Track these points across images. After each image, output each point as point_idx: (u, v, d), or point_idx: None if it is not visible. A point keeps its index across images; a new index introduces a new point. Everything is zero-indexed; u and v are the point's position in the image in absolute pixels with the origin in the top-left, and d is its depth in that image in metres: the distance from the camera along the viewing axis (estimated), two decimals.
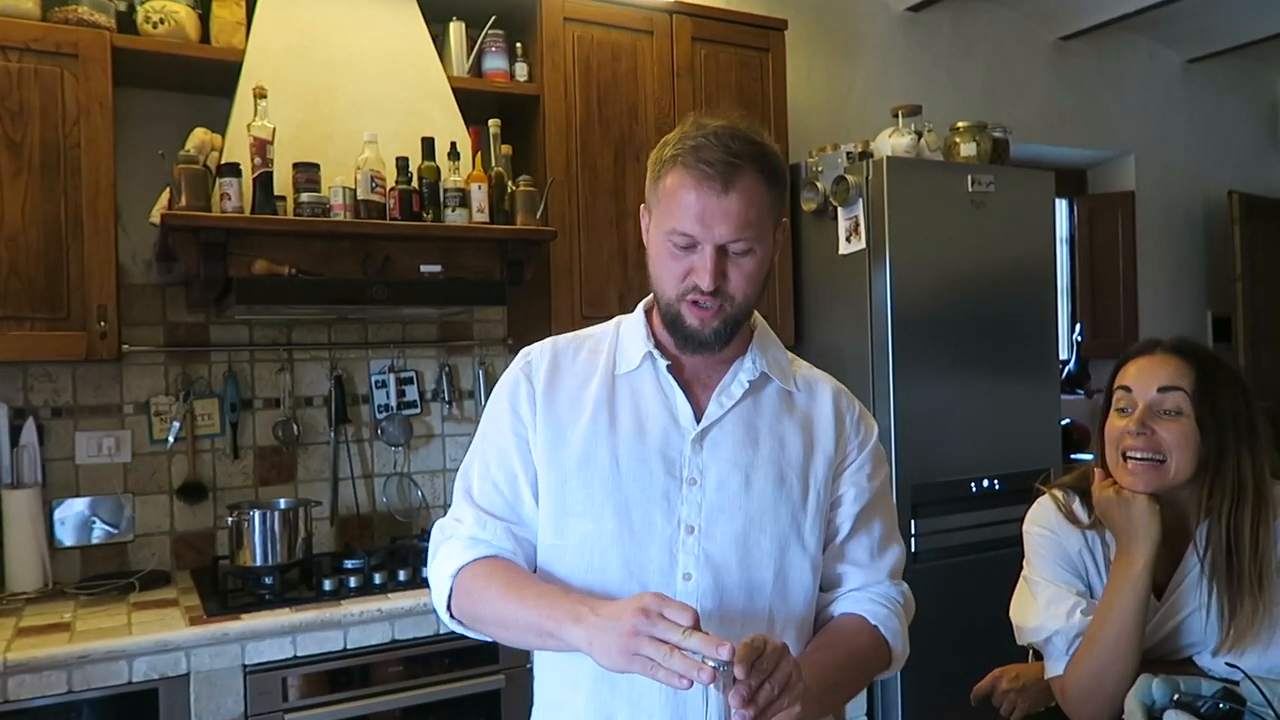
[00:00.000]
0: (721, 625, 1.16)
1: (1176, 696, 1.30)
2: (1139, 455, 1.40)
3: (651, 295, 1.26)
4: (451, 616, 1.22)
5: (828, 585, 1.28)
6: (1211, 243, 4.62)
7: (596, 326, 1.34)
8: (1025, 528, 1.56)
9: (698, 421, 1.22)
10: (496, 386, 1.30)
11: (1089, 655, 1.40)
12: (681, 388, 1.24)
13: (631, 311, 1.32)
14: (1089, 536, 1.50)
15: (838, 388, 1.32)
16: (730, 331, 1.20)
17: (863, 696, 2.80)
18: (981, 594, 2.81)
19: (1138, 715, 1.27)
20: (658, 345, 1.25)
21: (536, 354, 1.29)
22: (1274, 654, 1.39)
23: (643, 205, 1.25)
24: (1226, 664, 1.42)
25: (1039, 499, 1.57)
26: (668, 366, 1.24)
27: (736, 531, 1.19)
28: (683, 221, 1.14)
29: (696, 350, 1.21)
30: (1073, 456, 3.70)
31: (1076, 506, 1.51)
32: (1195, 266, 4.60)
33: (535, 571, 1.23)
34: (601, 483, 1.19)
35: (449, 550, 1.21)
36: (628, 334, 1.28)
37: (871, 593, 1.26)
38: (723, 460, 1.21)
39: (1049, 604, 1.47)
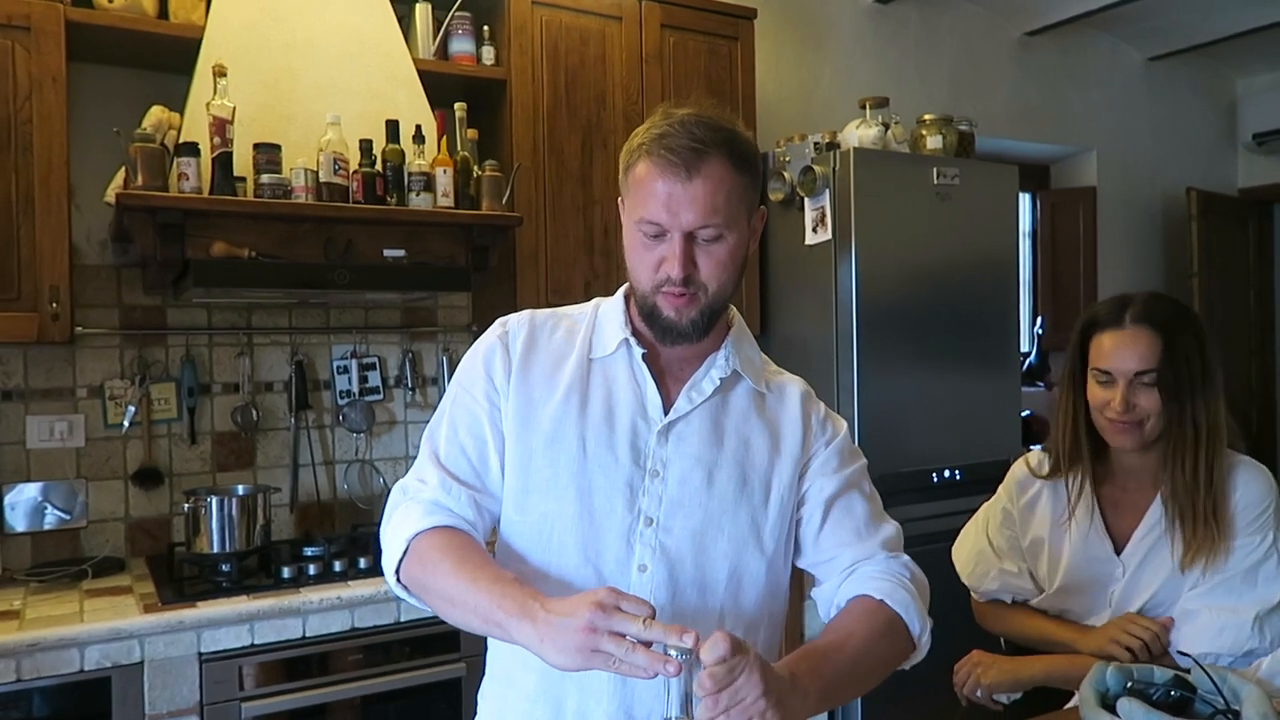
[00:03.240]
0: (673, 620, 1.14)
1: (1130, 684, 1.32)
2: (1124, 422, 1.55)
3: (629, 284, 1.26)
4: (399, 581, 1.18)
5: (824, 577, 1.27)
6: (1169, 238, 4.70)
7: (575, 306, 1.32)
8: (996, 494, 1.78)
9: (666, 414, 1.21)
10: (471, 350, 1.27)
11: (1000, 625, 1.73)
12: (654, 378, 1.23)
13: (604, 296, 1.32)
14: (1047, 490, 1.69)
15: (805, 390, 1.32)
16: (708, 322, 1.19)
17: None
18: (944, 584, 2.84)
19: (1092, 702, 1.29)
20: (635, 333, 1.24)
21: (514, 324, 1.27)
22: (1237, 589, 1.49)
23: (619, 198, 1.24)
24: (1179, 652, 1.46)
25: (1017, 461, 1.78)
26: (643, 355, 1.23)
27: (694, 528, 1.19)
28: (650, 210, 1.14)
29: (675, 341, 1.20)
30: (1032, 447, 3.74)
31: (1045, 466, 1.70)
32: (1154, 262, 4.67)
33: (494, 544, 1.22)
34: (567, 465, 1.19)
35: (408, 512, 1.18)
36: (606, 318, 1.27)
37: (870, 569, 1.23)
38: (687, 455, 1.20)
39: (975, 562, 1.74)
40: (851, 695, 1.17)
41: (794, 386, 1.31)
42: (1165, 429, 1.54)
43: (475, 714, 1.31)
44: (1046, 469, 1.69)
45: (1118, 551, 1.59)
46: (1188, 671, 1.33)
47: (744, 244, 1.19)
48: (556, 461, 1.19)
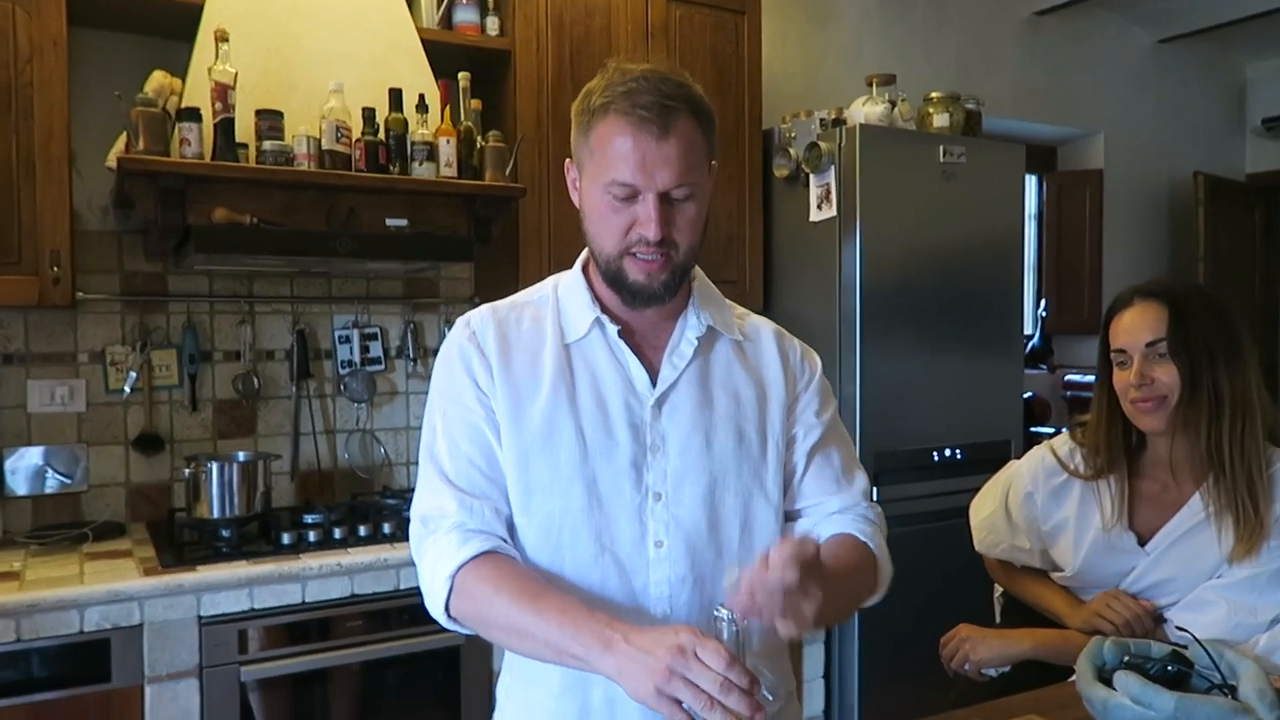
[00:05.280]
0: (695, 587, 1.16)
1: (1126, 658, 1.32)
2: (1146, 400, 1.52)
3: (586, 252, 1.22)
4: (450, 618, 1.13)
5: (802, 516, 1.29)
6: (1175, 223, 4.68)
7: (530, 290, 1.28)
8: (1019, 465, 1.75)
9: (653, 386, 1.19)
10: (442, 359, 1.22)
11: (1005, 579, 1.77)
12: (633, 351, 1.20)
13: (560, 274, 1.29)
14: (1075, 485, 1.64)
15: (776, 330, 1.32)
16: (678, 282, 1.18)
17: (820, 657, 2.83)
18: (941, 561, 2.85)
19: (1089, 675, 1.29)
20: (603, 309, 1.21)
21: (478, 322, 1.22)
22: (1262, 588, 1.46)
23: (568, 161, 1.19)
24: (1177, 628, 1.45)
25: (1037, 447, 1.73)
26: (618, 332, 1.20)
27: (702, 493, 1.18)
28: (621, 171, 1.09)
29: (645, 305, 1.18)
30: (1032, 429, 3.75)
31: (1079, 458, 1.65)
32: (1159, 246, 4.66)
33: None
34: (568, 458, 1.15)
35: (440, 547, 1.12)
36: (569, 298, 1.23)
37: (852, 514, 1.27)
38: (682, 424, 1.19)
39: (989, 530, 1.75)
40: (834, 618, 1.17)
41: (765, 328, 1.31)
42: (1189, 402, 1.49)
43: (495, 709, 1.28)
44: (1079, 463, 1.64)
45: (1142, 544, 1.56)
46: (1185, 647, 1.34)
47: (707, 201, 1.18)
48: (556, 457, 1.15)
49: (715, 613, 0.89)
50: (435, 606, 1.14)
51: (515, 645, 1.10)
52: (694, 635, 0.92)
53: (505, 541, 1.14)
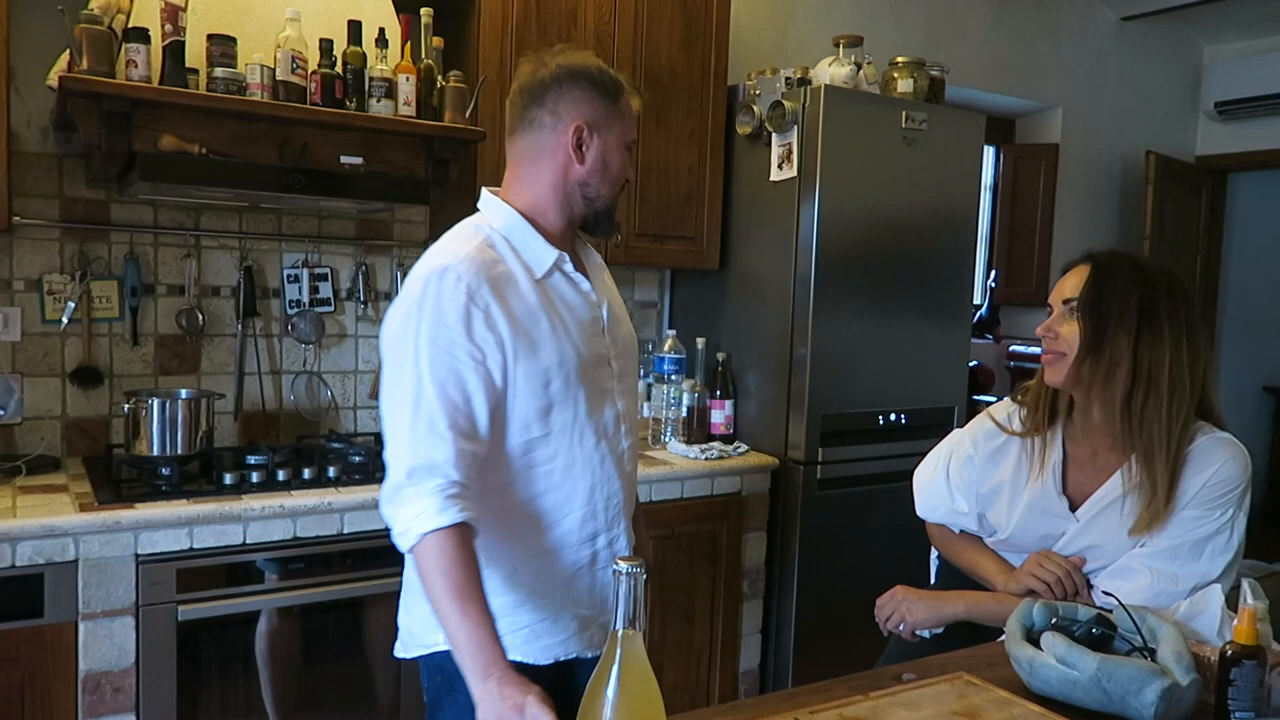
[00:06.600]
0: (631, 433, 1.55)
1: (1054, 620, 1.37)
2: (1048, 353, 1.58)
3: (495, 199, 1.48)
4: (408, 554, 1.30)
5: None
6: (1126, 200, 4.76)
7: (468, 240, 1.41)
8: (961, 432, 1.79)
9: (595, 297, 1.51)
10: (429, 310, 1.32)
11: (942, 545, 1.81)
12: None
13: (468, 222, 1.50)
14: (1016, 442, 1.68)
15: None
16: None
17: (758, 613, 2.89)
18: (880, 522, 2.92)
19: (1018, 635, 1.33)
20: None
21: (469, 277, 1.34)
22: (1183, 557, 1.50)
23: (585, 126, 1.44)
24: (1104, 593, 1.50)
25: (979, 414, 1.78)
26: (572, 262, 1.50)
27: (632, 364, 1.58)
28: (633, 132, 1.50)
29: (608, 233, 1.55)
30: (975, 398, 3.82)
31: (1016, 420, 1.69)
32: (1109, 222, 4.74)
33: (510, 465, 1.41)
34: (576, 372, 1.42)
35: (423, 505, 1.25)
36: (522, 240, 1.44)
37: None
38: (615, 316, 1.54)
39: (929, 493, 1.79)
40: None
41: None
42: (1087, 363, 1.52)
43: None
44: (1017, 424, 1.68)
45: (1073, 509, 1.60)
46: (1110, 611, 1.39)
47: None
48: (568, 375, 1.41)
49: (614, 566, 0.91)
50: (400, 544, 1.30)
51: (431, 608, 1.27)
52: (538, 704, 1.08)
53: (473, 506, 1.29)
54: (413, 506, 1.26)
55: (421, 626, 1.46)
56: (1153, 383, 1.50)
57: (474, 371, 1.32)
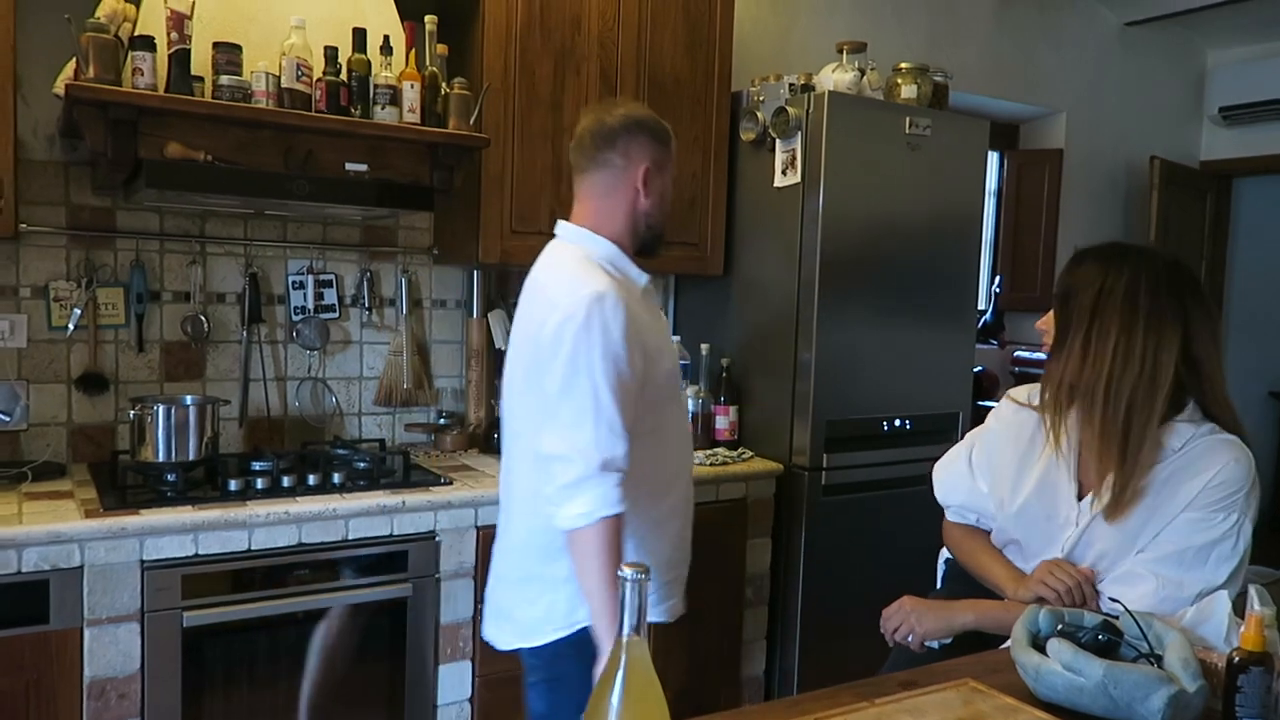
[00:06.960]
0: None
1: (1060, 626, 1.37)
2: (1045, 346, 1.66)
3: (587, 231, 1.77)
4: (576, 530, 1.58)
5: None
6: (1130, 205, 4.76)
7: (590, 267, 1.69)
8: (988, 419, 1.82)
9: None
10: (603, 330, 1.59)
11: (954, 546, 1.81)
12: None
13: (563, 233, 1.82)
14: (1034, 418, 1.67)
15: None
16: None
17: (763, 620, 2.88)
18: (886, 528, 2.92)
19: (1023, 641, 1.33)
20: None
21: (616, 299, 1.62)
22: (1188, 563, 1.49)
23: (650, 167, 1.77)
24: (1110, 599, 1.50)
25: (1003, 397, 1.81)
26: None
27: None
28: (675, 168, 1.86)
29: (656, 254, 1.83)
30: (980, 403, 3.82)
31: (1036, 399, 1.66)
32: (1113, 228, 4.73)
33: (636, 447, 1.65)
34: (674, 374, 1.83)
35: (605, 491, 1.56)
36: (624, 265, 1.76)
37: None
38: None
39: (950, 474, 1.82)
40: None
41: None
42: (1055, 347, 1.58)
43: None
44: (1034, 400, 1.67)
45: (1080, 497, 1.59)
46: (1116, 618, 1.38)
47: None
48: (673, 377, 1.81)
49: (620, 573, 0.91)
50: (572, 524, 1.57)
51: (580, 578, 1.59)
52: None
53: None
54: (598, 493, 1.55)
55: (567, 605, 1.68)
56: (1121, 374, 1.50)
57: (632, 380, 1.63)
